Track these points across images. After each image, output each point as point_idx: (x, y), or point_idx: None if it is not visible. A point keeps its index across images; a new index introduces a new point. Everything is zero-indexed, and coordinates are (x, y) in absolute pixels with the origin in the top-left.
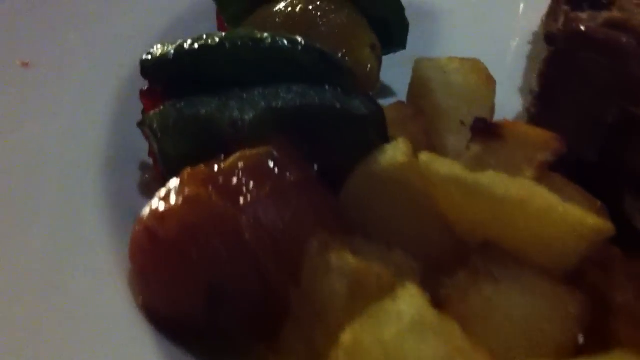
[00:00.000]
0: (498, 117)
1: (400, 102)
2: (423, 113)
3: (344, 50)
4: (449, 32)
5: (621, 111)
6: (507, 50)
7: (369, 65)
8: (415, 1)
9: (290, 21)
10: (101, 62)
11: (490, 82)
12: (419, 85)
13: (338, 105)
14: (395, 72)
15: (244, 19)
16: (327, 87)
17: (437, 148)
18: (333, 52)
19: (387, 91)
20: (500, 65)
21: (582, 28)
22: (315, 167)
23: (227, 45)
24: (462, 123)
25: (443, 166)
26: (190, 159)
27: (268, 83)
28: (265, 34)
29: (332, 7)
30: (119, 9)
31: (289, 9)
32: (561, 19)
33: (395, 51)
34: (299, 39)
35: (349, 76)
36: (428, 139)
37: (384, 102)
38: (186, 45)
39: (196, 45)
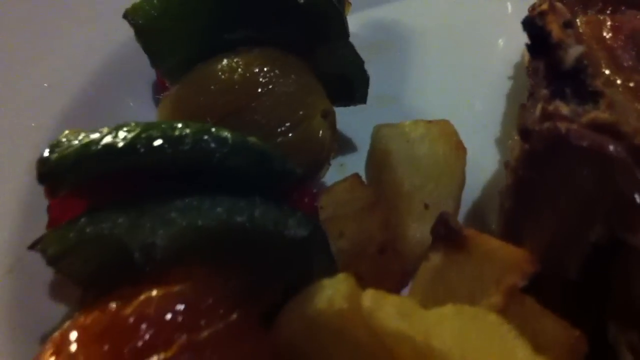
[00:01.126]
0: (471, 180)
1: (355, 179)
2: (381, 197)
3: (290, 123)
4: (420, 65)
5: (607, 231)
6: (483, 87)
7: (321, 136)
8: (388, 31)
9: (230, 90)
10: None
11: (460, 150)
12: (378, 158)
13: (269, 227)
14: (357, 118)
15: (181, 74)
16: (257, 199)
17: (396, 239)
18: (270, 148)
19: (346, 145)
20: (474, 108)
21: (562, 129)
22: (246, 298)
23: (139, 147)
24: (426, 206)
25: (390, 319)
26: (95, 281)
27: (189, 192)
28: (187, 130)
29: (278, 71)
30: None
31: (228, 74)
32: (538, 108)
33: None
34: (229, 136)
35: (290, 177)
36: (384, 233)
37: (343, 161)
38: (91, 147)
39: (100, 147)
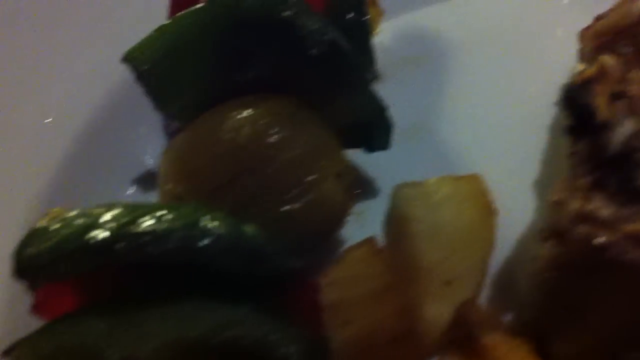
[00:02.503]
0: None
1: (369, 247)
2: (398, 271)
3: (300, 189)
4: (458, 85)
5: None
6: (522, 118)
7: (334, 200)
8: (424, 42)
9: (234, 152)
10: None
11: (491, 214)
12: (397, 224)
13: (259, 344)
14: (382, 155)
15: (187, 118)
16: (249, 308)
17: (412, 323)
18: (268, 240)
19: (367, 188)
20: (510, 146)
21: (601, 240)
22: None
23: (118, 246)
24: (448, 284)
25: None
26: None
27: (177, 292)
28: (176, 223)
29: (288, 129)
30: None
31: (234, 133)
32: (573, 205)
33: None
34: (222, 232)
35: (291, 272)
36: (399, 318)
37: (363, 208)
38: (66, 245)
39: (76, 246)
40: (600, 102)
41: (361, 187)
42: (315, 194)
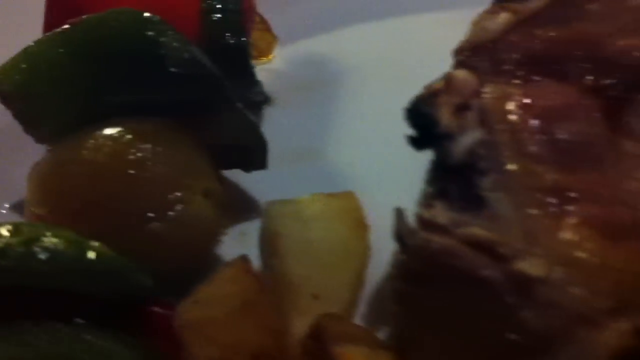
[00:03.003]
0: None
1: (239, 264)
2: (267, 288)
3: (162, 208)
4: (353, 109)
5: None
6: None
7: (203, 220)
8: (320, 68)
9: (94, 173)
10: None
11: (362, 231)
12: (268, 241)
13: None
14: (267, 177)
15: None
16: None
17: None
18: (116, 260)
19: (251, 209)
20: (395, 167)
21: (435, 244)
22: None
23: None
24: (316, 297)
25: None
26: None
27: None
28: (14, 241)
29: (149, 150)
30: None
31: (93, 154)
32: (418, 214)
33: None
34: (60, 244)
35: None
36: (262, 335)
37: (246, 229)
38: None
39: None
40: (444, 114)
41: (245, 207)
42: (181, 212)
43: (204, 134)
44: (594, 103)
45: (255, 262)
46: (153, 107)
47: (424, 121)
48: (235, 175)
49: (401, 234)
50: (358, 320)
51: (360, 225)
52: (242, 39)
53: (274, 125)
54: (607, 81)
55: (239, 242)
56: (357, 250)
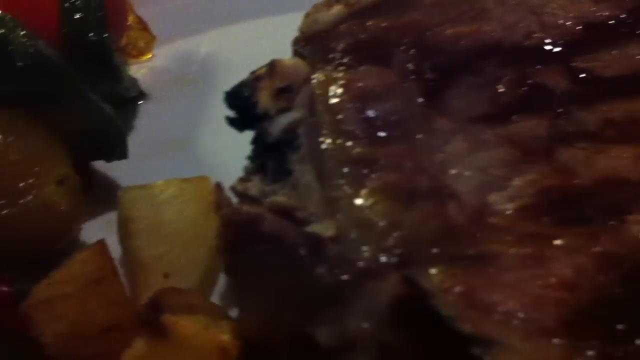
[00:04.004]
0: None
1: (95, 247)
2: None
3: (12, 195)
4: None
5: (294, 321)
6: None
7: (56, 206)
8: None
9: None
10: None
11: (212, 212)
12: (123, 225)
13: None
14: (142, 166)
15: None
16: None
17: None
18: None
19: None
20: None
21: (243, 213)
22: None
23: None
24: (166, 276)
25: None
26: None
27: None
28: None
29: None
30: None
31: None
32: (235, 185)
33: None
34: None
35: None
36: (110, 310)
37: (112, 218)
38: None
39: None
40: (263, 97)
41: (110, 197)
42: (32, 200)
43: (57, 124)
44: (415, 85)
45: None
46: (5, 99)
47: (243, 103)
48: (104, 166)
49: (218, 206)
50: (216, 297)
51: (212, 208)
52: (104, 35)
53: (148, 118)
54: (430, 66)
55: (103, 230)
56: (208, 231)
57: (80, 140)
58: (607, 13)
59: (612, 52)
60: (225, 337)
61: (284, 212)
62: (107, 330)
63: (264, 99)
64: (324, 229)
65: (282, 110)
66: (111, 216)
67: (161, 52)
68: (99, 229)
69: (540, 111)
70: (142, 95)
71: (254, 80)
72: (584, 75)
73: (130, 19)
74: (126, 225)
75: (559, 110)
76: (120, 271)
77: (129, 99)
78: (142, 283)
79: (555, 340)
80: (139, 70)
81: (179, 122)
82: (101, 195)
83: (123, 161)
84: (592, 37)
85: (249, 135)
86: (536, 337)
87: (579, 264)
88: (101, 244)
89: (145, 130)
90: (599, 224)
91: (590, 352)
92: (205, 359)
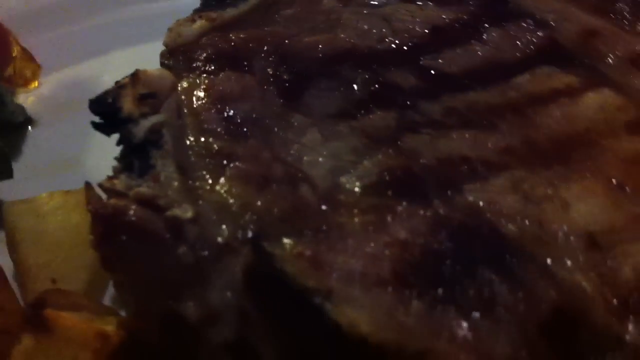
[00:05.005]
0: None
1: None
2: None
3: None
4: None
5: (164, 303)
6: None
7: None
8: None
9: None
10: None
11: None
12: (9, 237)
13: None
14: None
15: None
16: None
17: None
18: None
19: None
20: None
21: (110, 206)
22: None
23: None
24: (53, 281)
25: None
26: None
27: None
28: None
29: None
30: None
31: None
32: (103, 183)
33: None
34: None
35: None
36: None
37: None
38: None
39: None
40: (126, 102)
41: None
42: None
43: None
44: (273, 88)
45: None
46: None
47: (108, 109)
48: None
49: (88, 202)
50: (108, 300)
51: None
52: None
53: (35, 142)
54: (288, 70)
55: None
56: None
57: None
58: (451, 17)
59: (456, 50)
60: (107, 327)
61: (147, 202)
62: None
63: (127, 105)
64: (183, 212)
65: (145, 114)
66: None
67: (48, 80)
68: None
69: (390, 105)
70: (29, 121)
71: (117, 89)
72: (430, 72)
73: (16, 50)
74: (12, 236)
75: (407, 103)
76: (13, 285)
77: (16, 125)
78: (30, 289)
79: (389, 289)
80: (26, 98)
81: (66, 145)
82: None
83: (10, 181)
84: (437, 38)
85: None
86: (371, 287)
87: (414, 226)
88: None
89: (33, 153)
90: (437, 194)
91: (419, 299)
92: (86, 347)
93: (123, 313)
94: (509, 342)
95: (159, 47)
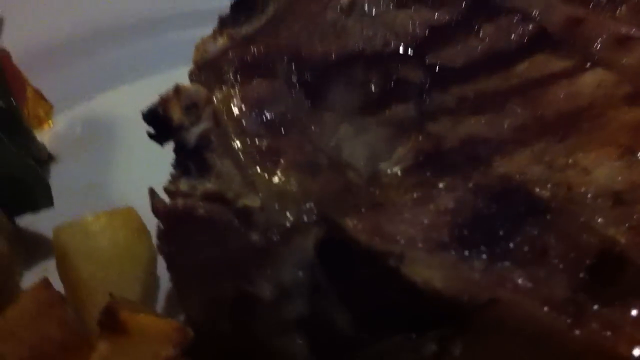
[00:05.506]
0: None
1: (40, 283)
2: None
3: None
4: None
5: (236, 288)
6: None
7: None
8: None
9: None
10: None
11: (143, 234)
12: (60, 259)
13: None
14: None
15: None
16: None
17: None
18: None
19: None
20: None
21: (179, 205)
22: None
23: None
24: (112, 296)
25: None
26: None
27: None
28: None
29: None
30: None
31: None
32: (168, 186)
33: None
34: None
35: None
36: (66, 329)
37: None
38: None
39: None
40: (175, 113)
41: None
42: None
43: None
44: (300, 91)
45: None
46: None
47: (160, 120)
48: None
49: (155, 206)
50: (159, 309)
51: (142, 231)
52: (11, 101)
53: (60, 177)
54: (310, 74)
55: (41, 275)
56: (142, 251)
57: (6, 193)
58: (446, 18)
59: (456, 47)
60: (178, 323)
61: (214, 197)
62: (65, 348)
63: (177, 115)
64: (252, 201)
65: (193, 123)
66: (45, 264)
67: (60, 119)
68: (35, 275)
69: (407, 98)
70: (50, 158)
71: (164, 102)
72: (437, 67)
73: (28, 91)
74: (64, 257)
75: (422, 96)
76: None
77: (41, 163)
78: (90, 304)
79: (451, 251)
80: (42, 138)
81: (88, 175)
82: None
83: (48, 210)
84: (437, 37)
85: (154, 172)
86: (435, 250)
87: (458, 196)
88: (45, 279)
89: (60, 186)
90: (470, 169)
91: (478, 257)
92: (165, 342)
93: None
94: (565, 286)
95: (162, 79)
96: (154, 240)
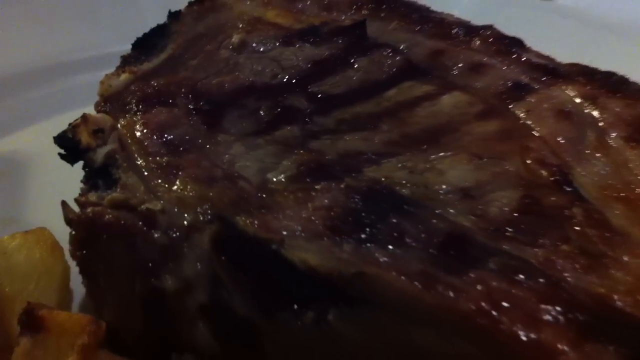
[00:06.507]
0: None
1: None
2: None
3: None
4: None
5: (144, 283)
6: None
7: None
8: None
9: None
10: None
11: (56, 250)
12: None
13: None
14: None
15: None
16: None
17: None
18: None
19: None
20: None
21: (89, 213)
22: None
23: None
24: (29, 304)
25: None
26: None
27: None
28: None
29: None
30: None
31: None
32: (79, 198)
33: None
34: None
35: None
36: None
37: None
38: None
39: None
40: (83, 137)
41: None
42: None
43: None
44: (197, 117)
45: None
46: None
47: (69, 143)
48: None
49: (68, 216)
50: None
51: (55, 248)
52: None
53: None
54: (206, 104)
55: None
56: (56, 266)
57: None
58: (326, 53)
59: (335, 77)
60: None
61: (120, 204)
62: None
63: (85, 138)
64: (154, 205)
65: (100, 145)
66: None
67: None
68: None
69: (293, 122)
70: None
71: (73, 127)
72: (319, 95)
73: None
74: None
75: (306, 120)
76: None
77: None
78: (10, 314)
79: (325, 239)
80: None
81: (6, 205)
82: None
83: None
84: (318, 70)
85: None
86: (312, 238)
87: (332, 195)
88: None
89: None
90: (344, 175)
91: (348, 241)
92: (81, 333)
93: None
94: (418, 260)
95: (72, 117)
96: (67, 256)
